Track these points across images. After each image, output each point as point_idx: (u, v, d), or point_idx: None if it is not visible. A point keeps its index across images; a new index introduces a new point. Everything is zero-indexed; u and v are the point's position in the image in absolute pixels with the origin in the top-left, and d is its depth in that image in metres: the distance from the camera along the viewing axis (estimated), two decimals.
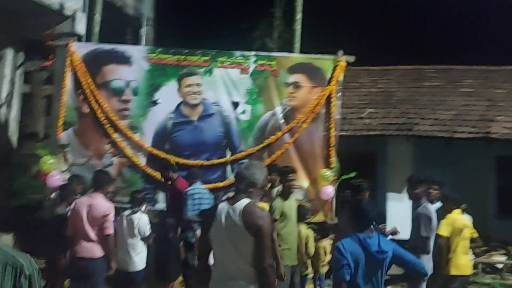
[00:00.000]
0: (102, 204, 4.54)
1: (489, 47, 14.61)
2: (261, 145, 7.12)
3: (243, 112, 7.21)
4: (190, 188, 5.88)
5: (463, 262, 4.41)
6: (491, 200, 9.16)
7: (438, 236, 4.33)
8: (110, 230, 4.53)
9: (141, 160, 7.06)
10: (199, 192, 5.93)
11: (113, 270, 4.58)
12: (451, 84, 10.63)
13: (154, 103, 7.19)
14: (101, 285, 4.54)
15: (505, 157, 9.05)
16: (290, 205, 4.78)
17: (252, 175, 2.90)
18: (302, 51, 7.64)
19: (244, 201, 2.81)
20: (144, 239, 4.80)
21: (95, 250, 4.49)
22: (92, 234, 4.49)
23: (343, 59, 7.24)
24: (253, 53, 7.41)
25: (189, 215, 5.56)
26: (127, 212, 5.00)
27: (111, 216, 4.55)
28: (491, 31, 15.77)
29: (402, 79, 11.25)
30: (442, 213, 4.56)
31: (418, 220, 4.38)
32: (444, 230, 4.33)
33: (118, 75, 7.24)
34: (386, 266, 3.05)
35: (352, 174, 6.88)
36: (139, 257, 4.73)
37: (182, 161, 7.05)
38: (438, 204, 4.72)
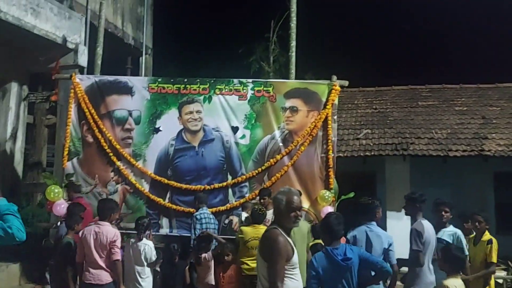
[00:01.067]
0: (108, 231, 4.70)
1: (482, 65, 14.95)
2: (261, 168, 7.29)
3: (243, 137, 7.40)
4: (198, 212, 6.18)
5: None
6: (491, 215, 9.26)
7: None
8: (117, 256, 4.68)
9: (145, 187, 7.23)
10: (206, 217, 6.18)
11: None
12: (445, 103, 10.89)
13: (156, 130, 7.40)
14: None
15: (502, 173, 9.19)
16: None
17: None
18: (298, 75, 7.88)
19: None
20: (150, 264, 4.94)
21: (103, 276, 4.64)
22: (100, 260, 4.65)
23: (338, 83, 7.48)
24: (250, 80, 7.65)
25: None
26: (133, 239, 5.14)
27: (118, 242, 4.70)
28: (484, 49, 16.14)
29: (397, 100, 11.52)
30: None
31: (411, 234, 4.54)
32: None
33: (121, 105, 7.47)
34: (355, 270, 3.50)
35: (351, 195, 7.03)
36: (146, 282, 4.86)
37: (184, 186, 7.23)
38: (451, 228, 4.89)
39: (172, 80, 7.59)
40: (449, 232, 4.83)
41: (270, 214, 6.22)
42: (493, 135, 8.62)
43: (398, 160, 8.42)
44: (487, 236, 4.99)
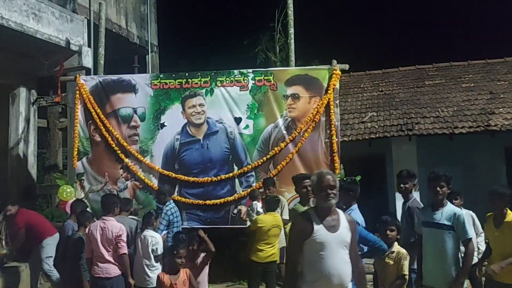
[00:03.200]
0: (114, 225, 4.85)
1: (490, 40, 14.70)
2: (266, 157, 7.36)
3: (246, 127, 7.48)
4: (166, 205, 6.23)
5: None
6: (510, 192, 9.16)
7: None
8: (124, 249, 4.82)
9: (153, 182, 7.39)
10: (175, 211, 6.26)
11: (131, 286, 4.87)
12: (452, 81, 10.75)
13: (161, 126, 7.54)
14: None
15: None
16: None
17: (311, 182, 3.34)
18: (304, 63, 7.88)
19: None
20: (157, 257, 5.07)
21: (111, 269, 4.80)
22: (107, 254, 4.81)
23: (338, 68, 7.47)
24: (250, 70, 7.70)
25: (162, 230, 5.83)
26: (141, 232, 5.28)
27: (124, 236, 4.85)
28: (492, 23, 15.83)
29: (404, 80, 11.41)
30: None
31: (411, 213, 4.51)
32: None
33: (125, 103, 7.63)
34: None
35: (358, 178, 7.05)
36: (154, 274, 4.96)
37: (192, 179, 7.36)
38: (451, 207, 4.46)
39: (173, 75, 7.71)
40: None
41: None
42: (500, 109, 8.50)
43: (404, 141, 8.37)
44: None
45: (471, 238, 4.08)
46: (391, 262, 3.95)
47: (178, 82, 7.63)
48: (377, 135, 8.50)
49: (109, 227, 4.81)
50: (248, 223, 6.41)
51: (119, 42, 12.12)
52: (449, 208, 4.15)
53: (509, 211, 4.27)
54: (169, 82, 7.65)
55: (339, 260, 3.00)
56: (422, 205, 4.58)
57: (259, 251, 5.65)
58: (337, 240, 3.02)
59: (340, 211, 3.21)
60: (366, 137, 8.54)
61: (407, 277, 3.99)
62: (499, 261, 4.20)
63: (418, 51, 14.93)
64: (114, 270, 4.79)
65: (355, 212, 4.41)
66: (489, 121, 8.09)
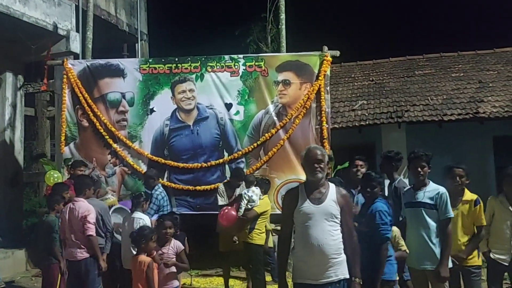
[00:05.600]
0: (81, 206, 4.74)
1: (480, 31, 14.79)
2: (257, 143, 7.33)
3: (237, 113, 7.44)
4: (155, 190, 6.15)
5: None
6: (491, 180, 9.23)
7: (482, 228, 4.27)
8: (90, 231, 4.68)
9: (142, 167, 7.32)
10: (162, 191, 6.24)
11: (103, 269, 4.77)
12: (442, 71, 10.80)
13: (150, 111, 7.46)
14: (92, 285, 4.74)
15: (501, 137, 9.13)
16: None
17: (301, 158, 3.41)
18: (297, 51, 7.84)
19: None
20: None
21: (77, 253, 4.72)
22: (73, 236, 4.73)
23: (329, 54, 7.45)
24: (241, 55, 7.64)
25: (153, 215, 5.77)
26: (129, 213, 5.22)
27: (91, 217, 4.71)
28: (482, 15, 15.93)
29: (394, 70, 11.45)
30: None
31: (398, 193, 4.48)
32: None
33: (114, 87, 7.53)
34: None
35: (346, 164, 7.05)
36: None
37: (181, 165, 7.31)
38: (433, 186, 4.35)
39: (163, 60, 7.62)
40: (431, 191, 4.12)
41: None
42: (489, 98, 8.56)
43: (394, 128, 8.40)
44: (469, 194, 4.27)
45: (451, 218, 4.05)
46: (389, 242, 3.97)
47: (168, 67, 7.55)
48: (367, 122, 8.51)
49: (77, 208, 4.73)
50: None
51: (108, 30, 11.92)
52: (432, 187, 4.09)
53: (466, 190, 4.26)
54: (158, 67, 7.57)
55: (322, 231, 3.09)
56: (408, 186, 4.57)
57: (262, 233, 5.89)
58: (321, 212, 3.12)
59: (332, 185, 3.25)
60: (357, 124, 8.56)
61: (407, 250, 4.10)
62: (454, 242, 4.10)
63: (409, 42, 14.97)
64: (80, 254, 4.70)
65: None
66: (477, 109, 8.15)
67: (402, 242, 4.13)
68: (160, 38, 14.99)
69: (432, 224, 3.97)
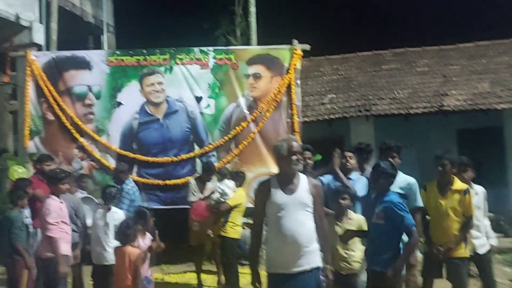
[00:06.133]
0: (44, 204, 4.58)
1: (444, 27, 15.19)
2: (228, 137, 7.32)
3: (207, 106, 7.39)
4: (126, 184, 5.90)
5: None
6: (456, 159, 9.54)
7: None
8: (49, 231, 4.44)
9: (110, 162, 7.17)
10: (134, 186, 6.01)
11: (62, 274, 4.48)
12: (408, 65, 11.06)
13: (118, 104, 7.32)
14: (53, 285, 4.56)
15: (464, 130, 9.47)
16: None
17: (275, 149, 3.37)
18: (267, 44, 7.84)
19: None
20: None
21: (42, 250, 4.58)
22: (39, 232, 4.62)
23: (299, 48, 7.50)
24: (211, 48, 7.60)
25: (124, 209, 5.55)
26: (101, 209, 5.10)
27: (50, 217, 4.47)
28: (447, 10, 16.37)
29: (362, 65, 11.64)
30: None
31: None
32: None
33: (80, 80, 7.34)
34: None
35: (318, 157, 7.13)
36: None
37: (151, 159, 7.22)
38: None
39: (131, 52, 7.48)
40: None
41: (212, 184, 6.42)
42: (453, 91, 8.84)
43: (362, 121, 8.57)
44: (460, 184, 4.17)
45: (421, 207, 4.15)
46: (353, 228, 4.04)
47: (136, 59, 7.42)
48: (337, 116, 8.64)
49: (43, 206, 4.59)
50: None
51: (73, 21, 11.60)
52: (402, 178, 4.17)
53: (456, 179, 4.19)
54: (126, 59, 7.42)
55: (295, 221, 3.11)
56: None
57: (237, 226, 5.88)
58: (294, 201, 3.15)
59: (303, 176, 3.27)
60: (326, 117, 8.67)
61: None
62: (441, 231, 4.11)
63: (375, 37, 15.22)
64: (44, 251, 4.53)
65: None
66: (442, 102, 8.40)
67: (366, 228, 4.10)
68: (127, 30, 14.61)
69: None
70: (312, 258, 3.13)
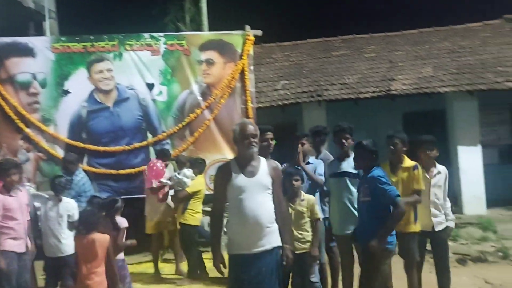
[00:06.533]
0: None
1: (390, 14, 15.70)
2: (182, 124, 7.23)
3: (160, 94, 7.26)
4: (76, 175, 5.74)
5: None
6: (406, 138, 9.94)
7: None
8: None
9: (59, 152, 6.91)
10: (84, 176, 5.90)
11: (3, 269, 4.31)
12: (356, 51, 11.34)
13: (65, 93, 7.04)
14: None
15: (409, 113, 9.86)
16: None
17: (233, 132, 3.41)
18: (217, 30, 7.75)
19: None
20: (72, 223, 4.73)
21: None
22: None
23: (251, 34, 7.50)
24: (162, 34, 7.45)
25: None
26: (50, 201, 4.90)
27: None
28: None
29: (312, 51, 11.81)
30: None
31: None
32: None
33: (23, 68, 6.99)
34: None
35: (274, 142, 7.20)
36: (69, 241, 4.64)
37: (102, 148, 7.02)
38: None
39: (77, 38, 7.19)
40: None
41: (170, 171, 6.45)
42: (399, 76, 9.16)
43: (314, 107, 8.71)
44: (409, 162, 4.27)
45: None
46: (305, 209, 4.13)
47: (83, 45, 7.14)
48: (290, 102, 8.74)
49: None
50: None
51: (11, 6, 10.96)
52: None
53: (405, 157, 4.29)
54: (72, 46, 7.13)
55: (256, 203, 3.16)
56: (332, 158, 4.80)
57: (196, 213, 5.83)
58: (255, 184, 3.19)
59: (262, 159, 3.31)
60: (280, 103, 8.75)
61: (321, 219, 4.24)
62: None
63: (324, 24, 15.49)
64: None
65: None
66: (389, 87, 8.70)
67: (317, 210, 4.23)
68: (70, 16, 13.97)
69: (355, 191, 4.20)
70: (273, 237, 3.19)
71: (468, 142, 8.66)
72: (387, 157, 4.35)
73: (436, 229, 4.46)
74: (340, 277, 4.59)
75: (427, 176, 4.45)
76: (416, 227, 4.28)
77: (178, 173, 5.99)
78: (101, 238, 3.96)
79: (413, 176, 4.19)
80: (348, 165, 4.30)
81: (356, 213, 4.17)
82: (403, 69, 9.61)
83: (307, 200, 4.19)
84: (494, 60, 9.52)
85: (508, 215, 7.78)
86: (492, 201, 8.53)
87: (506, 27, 11.81)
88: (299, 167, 4.45)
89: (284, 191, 4.08)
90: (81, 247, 3.98)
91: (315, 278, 4.14)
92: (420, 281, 4.48)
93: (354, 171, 4.24)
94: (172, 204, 6.24)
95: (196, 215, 5.86)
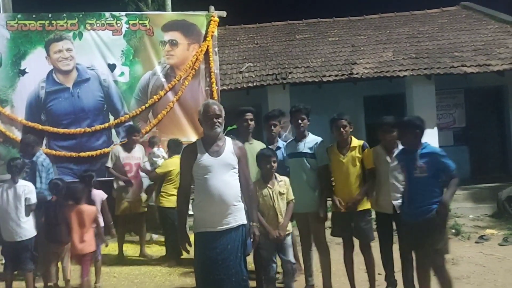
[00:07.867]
0: None
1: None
2: (145, 106, 7.13)
3: (122, 74, 7.11)
4: (37, 157, 5.45)
5: None
6: (362, 135, 10.22)
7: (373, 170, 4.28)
8: None
9: (16, 134, 6.68)
10: (46, 158, 5.64)
11: None
12: (320, 35, 11.47)
13: (22, 73, 6.78)
14: None
15: (370, 97, 10.10)
16: (255, 148, 4.35)
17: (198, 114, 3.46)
18: (180, 10, 7.60)
19: None
20: (30, 206, 4.62)
21: None
22: None
23: (216, 14, 7.43)
24: (123, 13, 7.27)
25: (43, 182, 5.29)
26: (6, 184, 4.75)
27: None
28: None
29: (277, 34, 11.85)
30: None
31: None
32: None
33: None
34: None
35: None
36: (28, 225, 4.57)
37: (62, 130, 6.84)
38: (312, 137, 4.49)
39: (34, 16, 6.91)
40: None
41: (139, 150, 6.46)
42: (361, 60, 9.35)
43: (279, 89, 8.77)
44: (356, 141, 4.35)
45: (328, 164, 4.32)
46: (285, 190, 4.14)
47: (40, 23, 6.87)
48: (255, 84, 8.76)
49: None
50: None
51: None
52: (311, 138, 4.40)
53: (353, 137, 4.36)
54: (29, 24, 6.85)
55: (222, 182, 3.20)
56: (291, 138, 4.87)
57: (170, 196, 5.72)
58: (220, 163, 3.23)
59: (228, 139, 3.34)
60: (244, 85, 8.76)
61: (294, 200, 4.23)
62: (345, 188, 4.26)
63: (289, 8, 15.55)
64: None
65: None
66: (352, 70, 8.86)
67: (291, 191, 4.23)
68: None
69: (312, 171, 4.32)
70: (238, 215, 3.25)
71: (426, 125, 8.96)
72: (335, 139, 4.40)
73: (398, 211, 4.43)
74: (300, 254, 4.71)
75: (388, 159, 4.41)
76: (367, 205, 4.37)
77: (150, 153, 5.96)
78: (89, 209, 4.58)
79: (363, 155, 4.27)
80: (305, 145, 4.35)
81: (313, 191, 4.27)
82: (365, 53, 9.81)
83: (284, 181, 4.19)
84: (450, 45, 9.87)
85: (461, 195, 8.16)
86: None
87: (462, 13, 12.25)
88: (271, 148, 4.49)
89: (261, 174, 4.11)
90: (72, 217, 4.51)
91: (292, 257, 4.18)
92: (392, 261, 4.44)
93: (311, 151, 4.31)
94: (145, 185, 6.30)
95: (170, 198, 5.73)
